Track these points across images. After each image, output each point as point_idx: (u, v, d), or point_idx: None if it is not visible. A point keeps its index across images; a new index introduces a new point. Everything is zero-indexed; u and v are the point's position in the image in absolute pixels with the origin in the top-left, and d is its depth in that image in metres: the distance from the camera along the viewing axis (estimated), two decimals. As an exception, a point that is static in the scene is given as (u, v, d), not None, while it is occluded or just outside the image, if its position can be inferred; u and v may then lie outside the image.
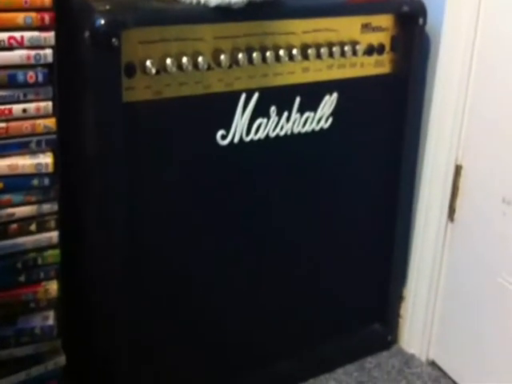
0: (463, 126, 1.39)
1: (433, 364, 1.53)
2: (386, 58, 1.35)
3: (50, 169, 1.07)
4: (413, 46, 1.35)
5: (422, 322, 1.52)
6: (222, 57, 1.12)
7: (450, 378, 1.48)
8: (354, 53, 1.28)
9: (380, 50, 1.33)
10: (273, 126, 1.23)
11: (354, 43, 1.28)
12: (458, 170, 1.41)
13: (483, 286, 1.38)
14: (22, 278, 1.10)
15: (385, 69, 1.35)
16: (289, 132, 1.25)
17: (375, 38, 1.32)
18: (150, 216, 1.15)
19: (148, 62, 1.06)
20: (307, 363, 1.45)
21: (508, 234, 1.31)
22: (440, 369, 1.51)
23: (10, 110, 1.03)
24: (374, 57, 1.33)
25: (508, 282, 1.32)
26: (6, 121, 1.03)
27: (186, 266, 1.22)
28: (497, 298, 1.35)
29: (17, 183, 1.06)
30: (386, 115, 1.39)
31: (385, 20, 1.32)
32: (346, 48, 1.26)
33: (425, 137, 1.44)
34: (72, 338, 1.22)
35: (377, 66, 1.34)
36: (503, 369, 1.35)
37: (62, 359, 1.16)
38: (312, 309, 1.42)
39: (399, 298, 1.56)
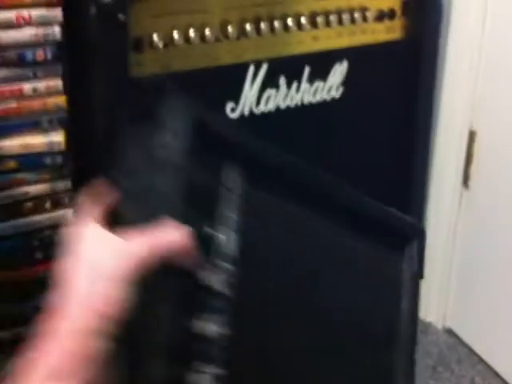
0: (477, 91, 1.36)
1: (449, 331, 1.53)
2: (397, 23, 1.32)
3: (62, 147, 1.07)
4: (424, 10, 1.33)
5: (438, 290, 1.52)
6: (230, 28, 1.11)
7: (466, 345, 1.48)
8: (364, 19, 1.26)
9: (391, 15, 1.31)
10: (282, 97, 1.22)
11: (363, 9, 1.26)
12: (471, 136, 1.39)
13: (498, 254, 1.37)
14: (39, 256, 1.11)
15: (396, 34, 1.33)
16: (299, 103, 1.24)
17: (385, 3, 1.29)
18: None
19: (155, 36, 1.05)
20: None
21: (524, 200, 1.30)
22: (457, 336, 1.51)
23: (21, 89, 1.03)
24: (385, 22, 1.31)
25: (524, 247, 1.32)
26: (17, 100, 1.03)
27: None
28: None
29: (30, 162, 1.06)
30: (399, 82, 1.37)
31: (395, -16, 1.30)
32: (356, 14, 1.24)
33: (438, 103, 1.43)
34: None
35: (388, 32, 1.32)
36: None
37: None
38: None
39: (415, 266, 1.56)
